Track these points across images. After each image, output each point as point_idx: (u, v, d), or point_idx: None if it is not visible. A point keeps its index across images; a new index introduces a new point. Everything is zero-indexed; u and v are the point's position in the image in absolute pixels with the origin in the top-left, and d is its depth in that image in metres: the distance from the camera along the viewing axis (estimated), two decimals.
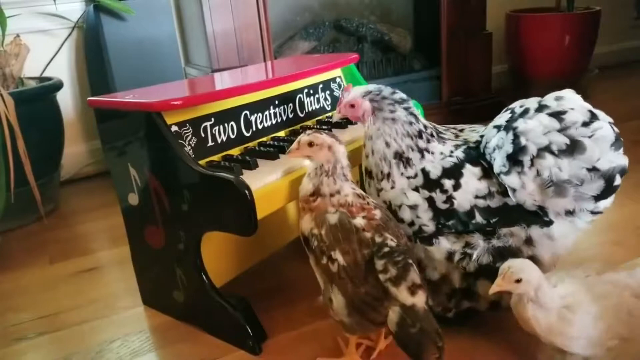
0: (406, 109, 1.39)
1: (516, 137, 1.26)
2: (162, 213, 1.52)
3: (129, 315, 1.70)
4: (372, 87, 1.43)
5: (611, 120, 1.26)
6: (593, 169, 1.23)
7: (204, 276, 1.50)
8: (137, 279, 1.73)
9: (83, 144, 3.09)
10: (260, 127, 1.68)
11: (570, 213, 1.27)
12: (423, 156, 1.37)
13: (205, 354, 1.47)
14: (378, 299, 1.25)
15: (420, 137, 1.37)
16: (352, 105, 1.44)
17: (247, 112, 1.64)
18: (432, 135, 1.39)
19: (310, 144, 1.34)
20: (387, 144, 1.37)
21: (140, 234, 1.64)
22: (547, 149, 1.23)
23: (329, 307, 1.33)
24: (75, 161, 3.05)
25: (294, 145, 1.37)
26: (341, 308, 1.29)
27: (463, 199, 1.32)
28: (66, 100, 2.94)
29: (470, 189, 1.32)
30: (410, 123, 1.37)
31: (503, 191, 1.30)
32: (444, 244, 1.34)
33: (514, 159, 1.26)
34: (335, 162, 1.33)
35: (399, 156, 1.37)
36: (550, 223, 1.28)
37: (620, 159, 1.24)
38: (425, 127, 1.40)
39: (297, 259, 1.59)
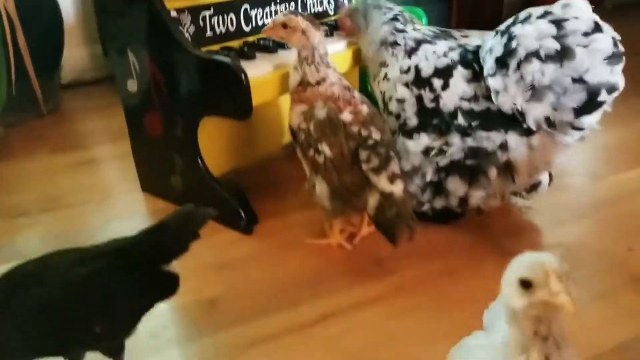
0: (379, 7, 1.54)
1: (509, 40, 1.28)
2: (160, 99, 1.57)
3: (127, 199, 1.79)
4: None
5: (618, 37, 1.23)
6: (579, 80, 1.22)
7: (200, 162, 1.57)
8: (136, 166, 1.80)
9: (84, 48, 3.09)
10: (260, 23, 1.70)
11: (551, 125, 1.29)
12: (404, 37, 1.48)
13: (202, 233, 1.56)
14: (360, 186, 1.33)
15: (396, 19, 1.50)
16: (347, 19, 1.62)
17: (248, 7, 1.66)
18: (409, 22, 1.52)
19: (284, 25, 1.36)
20: (375, 37, 1.49)
21: (139, 122, 1.69)
22: (536, 53, 1.24)
23: (313, 193, 1.41)
24: (76, 65, 3.06)
25: (269, 24, 1.39)
26: (324, 194, 1.37)
27: (449, 100, 1.37)
28: (66, 5, 2.91)
29: (458, 90, 1.37)
30: (384, 13, 1.51)
31: (488, 96, 1.34)
32: (424, 140, 1.40)
33: (502, 62, 1.29)
34: (313, 49, 1.35)
35: (386, 43, 1.47)
36: (529, 132, 1.32)
37: (611, 76, 1.22)
38: (400, 15, 1.52)
39: (291, 161, 1.67)
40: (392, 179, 1.30)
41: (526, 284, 0.62)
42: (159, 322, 1.23)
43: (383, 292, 1.30)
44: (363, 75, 1.99)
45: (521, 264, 0.64)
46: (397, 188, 1.31)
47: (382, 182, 1.30)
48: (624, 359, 1.08)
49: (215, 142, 1.70)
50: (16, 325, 0.89)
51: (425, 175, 1.43)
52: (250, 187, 1.75)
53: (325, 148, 1.32)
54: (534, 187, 1.49)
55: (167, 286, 1.01)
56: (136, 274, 0.97)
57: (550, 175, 1.50)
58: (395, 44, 1.47)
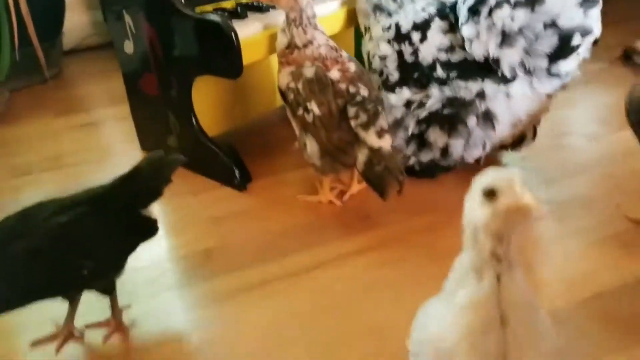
0: None
1: None
2: (155, 59, 1.61)
3: (127, 158, 1.84)
4: None
5: None
6: (551, 24, 1.25)
7: (195, 121, 1.61)
8: (135, 126, 1.85)
9: (85, 14, 3.11)
10: None
11: (527, 71, 1.32)
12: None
13: (196, 189, 1.63)
14: (349, 143, 1.37)
15: None
16: None
17: None
18: None
19: None
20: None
21: (137, 83, 1.74)
22: (507, 0, 1.27)
23: (303, 152, 1.45)
24: (78, 32, 3.08)
25: None
26: (314, 152, 1.42)
27: (427, 52, 1.41)
28: None
29: (435, 42, 1.41)
30: None
31: (464, 46, 1.37)
32: (406, 93, 1.45)
33: (474, 10, 1.33)
34: (300, 12, 1.37)
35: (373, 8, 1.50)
36: (506, 80, 1.35)
37: (585, 20, 1.25)
38: None
39: (285, 122, 1.71)
40: (380, 133, 1.34)
41: (490, 194, 0.62)
42: (157, 270, 1.30)
43: (370, 244, 1.36)
44: (358, 38, 2.01)
45: (485, 178, 0.64)
46: (386, 143, 1.35)
47: (370, 137, 1.34)
48: (601, 306, 1.13)
49: (210, 104, 1.74)
50: (5, 277, 0.95)
51: (407, 128, 1.48)
52: (245, 147, 1.79)
53: (314, 107, 1.35)
54: (519, 141, 1.52)
55: (146, 229, 1.08)
56: (115, 218, 1.03)
57: (535, 130, 1.53)
58: (379, 8, 1.50)
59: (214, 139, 1.65)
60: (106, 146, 1.97)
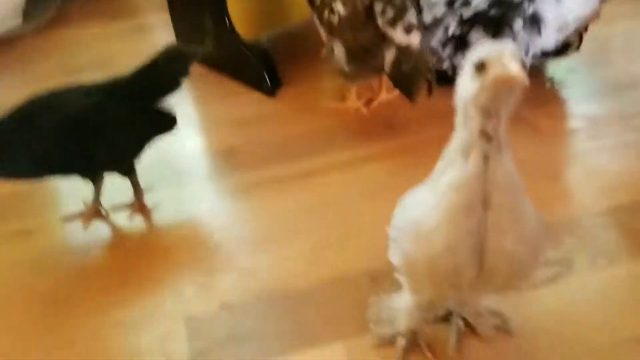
0: None
1: None
2: None
3: None
4: None
5: None
6: None
7: (228, 23, 1.62)
8: (174, 30, 1.89)
9: None
10: None
11: None
12: None
13: (228, 91, 1.67)
14: (376, 44, 1.33)
15: None
16: None
17: None
18: None
19: None
20: None
21: None
22: None
23: (331, 58, 1.43)
24: None
25: None
26: (341, 57, 1.39)
27: None
28: None
29: None
30: None
31: None
32: None
33: None
34: None
35: None
36: None
37: None
38: None
39: (318, 33, 1.70)
40: (408, 29, 1.28)
41: (480, 68, 0.60)
42: (184, 162, 1.38)
43: (388, 150, 1.36)
44: None
45: (476, 52, 0.62)
46: (414, 39, 1.29)
47: (398, 34, 1.29)
48: (611, 223, 1.10)
49: (245, 7, 1.74)
50: (32, 145, 1.02)
51: (447, 29, 1.41)
52: (279, 54, 1.79)
53: (339, 6, 1.32)
54: (563, 48, 1.43)
55: (164, 122, 1.13)
56: (133, 107, 1.09)
57: (581, 38, 1.43)
58: None
59: (248, 44, 1.67)
60: (154, 50, 2.03)
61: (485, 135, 0.63)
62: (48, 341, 0.93)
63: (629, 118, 1.39)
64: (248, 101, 1.62)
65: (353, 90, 1.52)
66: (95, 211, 1.19)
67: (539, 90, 1.55)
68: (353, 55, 1.37)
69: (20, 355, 0.92)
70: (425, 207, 0.70)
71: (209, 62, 1.80)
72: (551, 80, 1.56)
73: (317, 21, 1.43)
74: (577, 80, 1.57)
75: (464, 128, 0.65)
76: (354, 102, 1.53)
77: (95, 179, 1.16)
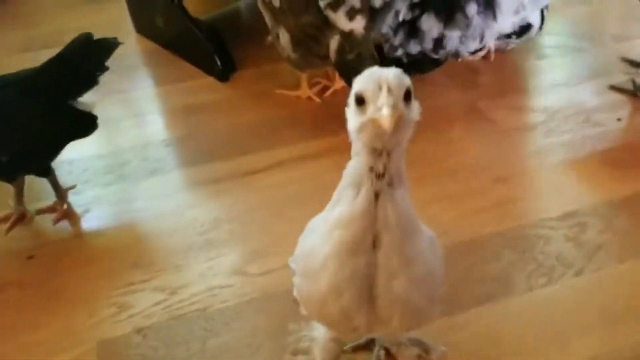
0: None
1: None
2: None
3: (123, 39, 1.78)
4: None
5: None
6: None
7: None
8: (128, 5, 1.78)
9: None
10: None
11: None
12: None
13: (179, 76, 1.58)
14: (319, 29, 1.24)
15: None
16: None
17: None
18: None
19: None
20: None
21: None
22: None
23: (277, 44, 1.34)
24: None
25: None
26: (286, 43, 1.30)
27: None
28: None
29: None
30: None
31: None
32: None
33: None
34: None
35: None
36: None
37: None
38: None
39: None
40: (351, 14, 1.20)
41: (360, 101, 0.54)
42: (118, 158, 1.29)
43: (337, 146, 1.28)
44: None
45: (359, 78, 0.56)
46: (358, 25, 1.21)
47: (340, 19, 1.20)
48: (558, 234, 1.04)
49: None
50: None
51: (398, 14, 1.31)
52: (234, 36, 1.69)
53: None
54: (523, 29, 1.35)
55: (82, 123, 1.03)
56: (43, 105, 0.99)
57: (542, 15, 1.34)
58: None
59: (200, 23, 1.57)
60: (107, 25, 1.92)
61: (375, 173, 0.57)
62: None
63: (591, 112, 1.32)
64: (198, 86, 1.53)
65: (304, 78, 1.43)
66: (20, 214, 1.12)
67: (498, 78, 1.47)
68: (297, 42, 1.28)
69: None
70: (317, 239, 0.65)
71: (163, 41, 1.71)
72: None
73: (260, 6, 1.33)
74: (544, 67, 1.49)
75: (356, 158, 0.59)
76: (305, 90, 1.44)
77: (10, 180, 1.09)
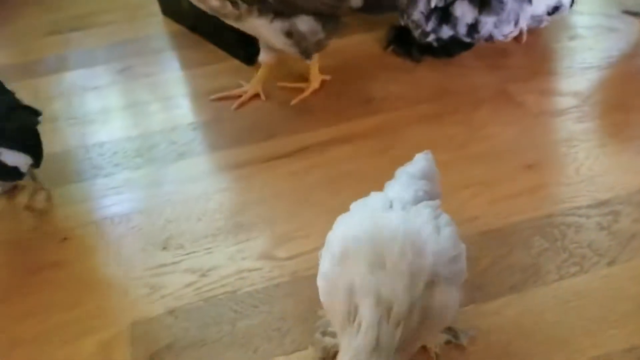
0: None
1: None
2: None
3: (149, 22, 1.81)
4: None
5: None
6: None
7: None
8: None
9: None
10: None
11: None
12: None
13: (205, 60, 1.58)
14: None
15: None
16: None
17: None
18: None
19: None
20: None
21: None
22: None
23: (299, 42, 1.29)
24: None
25: None
26: (311, 26, 1.26)
27: None
28: None
29: None
30: None
31: None
32: None
33: None
34: None
35: None
36: None
37: None
38: None
39: None
40: None
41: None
42: (147, 141, 1.31)
43: (363, 131, 1.27)
44: None
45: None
46: None
47: None
48: (590, 223, 1.02)
49: None
50: None
51: (430, 0, 1.30)
52: None
53: None
54: (554, 9, 1.33)
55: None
56: None
57: None
58: None
59: None
60: (133, 7, 1.93)
61: None
62: None
63: (626, 96, 1.28)
64: (223, 70, 1.53)
65: (315, 63, 1.40)
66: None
67: (528, 60, 1.43)
68: (322, 17, 1.24)
69: None
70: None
71: (189, 24, 1.71)
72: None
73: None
74: (577, 49, 1.45)
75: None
76: (318, 77, 1.41)
77: None
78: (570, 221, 1.00)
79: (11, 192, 1.19)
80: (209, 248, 1.02)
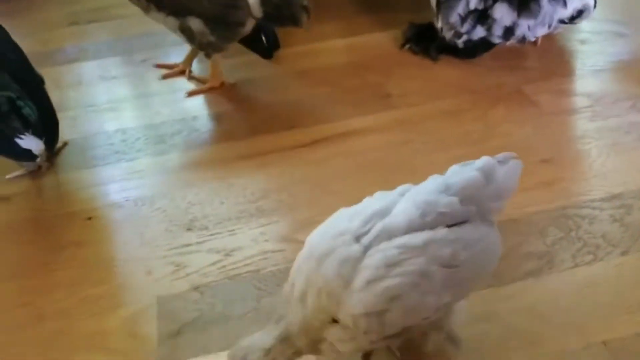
0: None
1: None
2: None
3: None
4: None
5: None
6: None
7: None
8: None
9: None
10: None
11: None
12: None
13: (225, 54, 1.58)
14: None
15: None
16: None
17: None
18: None
19: None
20: None
21: None
22: None
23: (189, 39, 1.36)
24: None
25: None
26: (201, 28, 1.32)
27: None
28: None
29: None
30: None
31: None
32: None
33: None
34: None
35: None
36: None
37: None
38: None
39: None
40: None
41: None
42: (170, 128, 1.34)
43: (381, 125, 1.31)
44: None
45: None
46: None
47: None
48: (604, 215, 1.05)
49: None
50: None
51: (469, 2, 1.34)
52: None
53: None
54: (579, 13, 1.38)
55: None
56: None
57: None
58: None
59: None
60: None
61: None
62: (16, 316, 0.93)
63: (637, 98, 1.31)
64: (243, 63, 1.56)
65: (218, 62, 1.45)
66: None
67: (544, 63, 1.47)
68: (213, 20, 1.31)
69: None
70: None
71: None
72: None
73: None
74: (588, 53, 1.49)
75: None
76: (218, 76, 1.46)
77: None
78: (584, 213, 1.03)
79: (36, 173, 1.22)
80: (233, 230, 1.05)
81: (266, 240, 1.02)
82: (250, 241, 1.03)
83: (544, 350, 0.82)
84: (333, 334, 0.67)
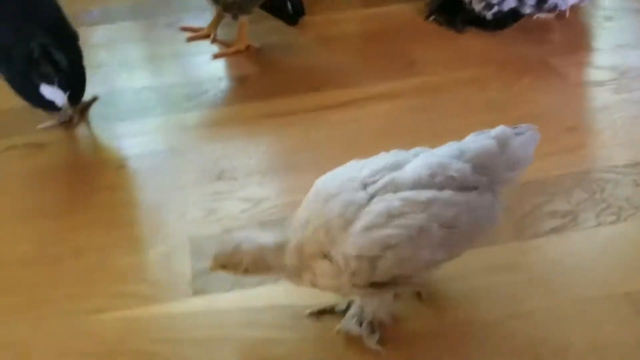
0: None
1: None
2: None
3: None
4: None
5: None
6: None
7: None
8: None
9: None
10: None
11: None
12: None
13: (251, 19, 1.61)
14: None
15: None
16: None
17: None
18: None
19: None
20: None
21: None
22: None
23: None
24: None
25: None
26: None
27: None
28: None
29: None
30: None
31: None
32: None
33: None
34: None
35: None
36: None
37: None
38: None
39: None
40: None
41: None
42: (197, 88, 1.36)
43: (405, 90, 1.32)
44: None
45: None
46: None
47: None
48: (626, 180, 1.06)
49: None
50: None
51: None
52: None
53: None
54: None
55: None
56: None
57: None
58: None
59: None
60: None
61: None
62: (56, 250, 0.96)
63: None
64: (268, 29, 1.57)
65: (245, 25, 1.47)
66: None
67: (570, 36, 1.48)
68: None
69: (32, 262, 0.95)
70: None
71: None
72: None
73: None
74: (612, 29, 1.49)
75: None
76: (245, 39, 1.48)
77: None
78: (608, 177, 1.05)
79: (68, 124, 1.24)
80: (261, 182, 1.08)
81: (292, 191, 1.04)
82: (278, 193, 1.05)
83: (565, 296, 0.84)
84: (320, 267, 0.70)
